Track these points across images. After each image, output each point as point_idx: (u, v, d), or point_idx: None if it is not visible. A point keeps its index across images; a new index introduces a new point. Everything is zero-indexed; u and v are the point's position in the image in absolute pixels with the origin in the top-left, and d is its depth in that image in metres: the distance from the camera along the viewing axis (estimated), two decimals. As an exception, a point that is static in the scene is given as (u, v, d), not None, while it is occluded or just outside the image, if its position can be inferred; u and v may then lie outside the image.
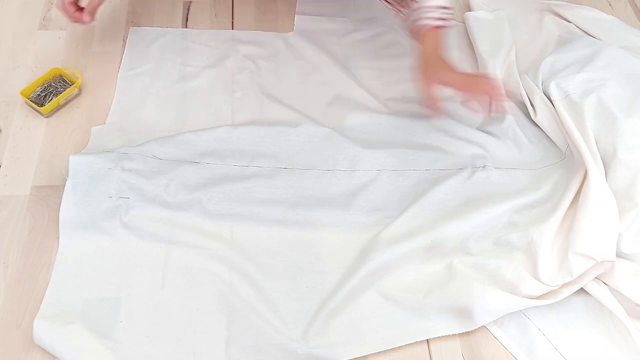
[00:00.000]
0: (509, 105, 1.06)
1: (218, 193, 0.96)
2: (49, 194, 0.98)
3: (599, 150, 0.99)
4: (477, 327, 0.87)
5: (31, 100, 1.06)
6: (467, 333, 0.87)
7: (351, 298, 0.89)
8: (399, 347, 0.86)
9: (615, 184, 0.95)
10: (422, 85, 0.98)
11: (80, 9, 1.04)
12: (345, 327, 0.87)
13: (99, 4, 1.05)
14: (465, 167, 1.03)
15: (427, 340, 0.87)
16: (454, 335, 0.87)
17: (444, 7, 1.00)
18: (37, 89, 1.08)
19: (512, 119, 1.09)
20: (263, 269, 0.92)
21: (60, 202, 0.95)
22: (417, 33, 1.02)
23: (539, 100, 1.08)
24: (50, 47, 1.18)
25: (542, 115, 1.08)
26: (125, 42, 1.19)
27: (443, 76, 0.96)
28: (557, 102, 1.06)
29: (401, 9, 1.08)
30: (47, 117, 1.07)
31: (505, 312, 0.87)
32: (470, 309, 0.86)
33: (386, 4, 1.10)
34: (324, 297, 0.89)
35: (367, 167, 1.02)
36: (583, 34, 1.24)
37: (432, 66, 0.97)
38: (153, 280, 0.89)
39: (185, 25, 1.24)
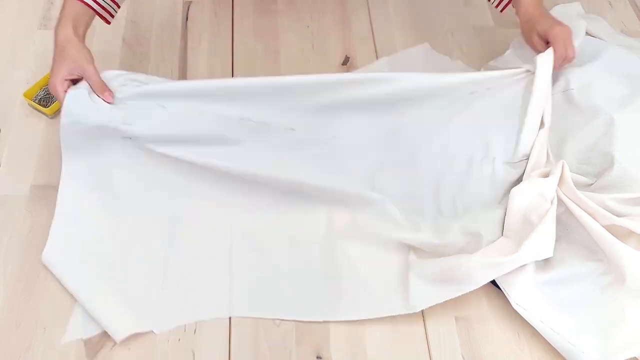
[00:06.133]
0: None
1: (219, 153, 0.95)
2: (49, 193, 0.98)
3: (597, 150, 0.99)
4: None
5: (35, 102, 1.07)
6: (467, 332, 0.87)
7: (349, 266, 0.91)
8: (399, 347, 0.86)
9: (611, 183, 0.95)
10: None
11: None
12: (344, 292, 0.89)
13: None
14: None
15: (427, 340, 0.87)
16: (453, 334, 0.87)
17: None
18: (40, 91, 1.08)
19: None
20: (262, 235, 0.94)
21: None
22: None
23: None
24: (50, 47, 1.16)
25: None
26: (126, 43, 1.19)
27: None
28: (555, 95, 1.05)
29: None
30: (51, 117, 1.07)
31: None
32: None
33: None
34: (322, 268, 0.91)
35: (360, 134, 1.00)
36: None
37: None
38: (154, 260, 0.92)
39: (186, 25, 1.24)
